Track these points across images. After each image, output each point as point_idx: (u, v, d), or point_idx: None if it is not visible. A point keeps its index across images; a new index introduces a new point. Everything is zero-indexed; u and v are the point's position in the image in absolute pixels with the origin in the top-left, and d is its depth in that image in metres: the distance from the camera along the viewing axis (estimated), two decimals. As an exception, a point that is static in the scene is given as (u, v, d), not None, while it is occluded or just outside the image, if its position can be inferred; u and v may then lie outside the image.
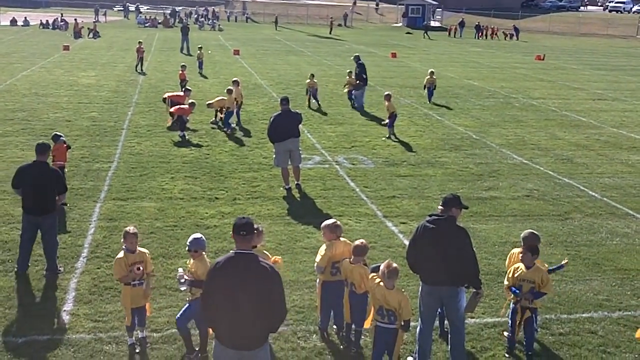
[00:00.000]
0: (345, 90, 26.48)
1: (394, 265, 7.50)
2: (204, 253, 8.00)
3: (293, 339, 8.64)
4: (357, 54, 27.57)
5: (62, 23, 62.90)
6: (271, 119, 15.00)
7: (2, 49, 43.01)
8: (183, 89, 23.14)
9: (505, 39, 72.04)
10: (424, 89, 27.61)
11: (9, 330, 8.61)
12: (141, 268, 8.21)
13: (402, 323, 7.50)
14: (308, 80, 25.97)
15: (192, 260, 7.96)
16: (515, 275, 8.35)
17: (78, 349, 8.22)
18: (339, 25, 78.87)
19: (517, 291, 8.32)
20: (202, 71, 33.75)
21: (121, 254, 8.17)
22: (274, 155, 15.12)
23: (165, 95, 22.09)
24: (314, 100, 25.35)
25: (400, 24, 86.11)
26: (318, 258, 8.44)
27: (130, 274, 8.12)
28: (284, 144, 14.73)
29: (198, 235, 8.08)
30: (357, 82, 25.40)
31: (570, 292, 10.31)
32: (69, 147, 13.73)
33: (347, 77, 26.65)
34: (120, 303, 9.05)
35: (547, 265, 8.71)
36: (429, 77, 27.37)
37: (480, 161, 18.04)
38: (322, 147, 18.97)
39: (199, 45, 36.92)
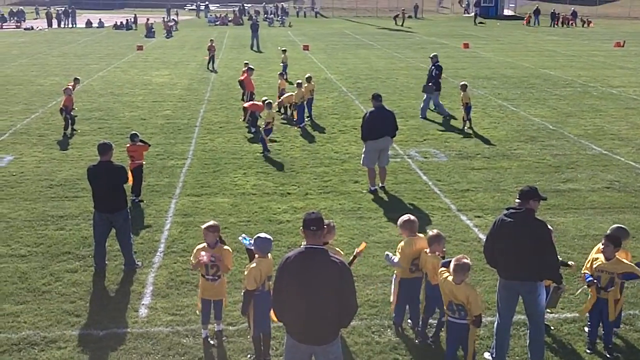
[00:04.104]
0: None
1: (465, 260, 7.36)
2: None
3: (367, 334, 8.59)
4: (435, 54, 23.46)
5: (152, 23, 63.62)
6: (365, 116, 14.31)
7: (78, 50, 44.47)
8: (262, 101, 21.15)
9: (582, 26, 69.87)
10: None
11: (90, 324, 8.86)
12: (215, 260, 8.26)
13: (473, 318, 7.37)
14: (306, 85, 21.38)
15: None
16: (594, 265, 8.14)
17: (156, 342, 8.39)
18: (409, 17, 78.11)
19: (590, 277, 8.14)
20: (287, 75, 28.63)
21: (202, 245, 8.38)
22: (363, 155, 14.45)
23: (245, 105, 20.96)
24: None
25: (472, 14, 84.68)
26: (398, 257, 8.36)
27: (199, 261, 8.22)
28: (376, 142, 14.06)
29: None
30: (429, 84, 22.06)
31: (656, 287, 9.88)
32: (149, 145, 14.18)
33: (280, 81, 22.81)
34: (196, 297, 9.21)
35: (630, 259, 8.36)
36: None
37: (558, 152, 17.52)
38: (394, 140, 18.76)
39: (283, 49, 34.07)
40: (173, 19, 68.96)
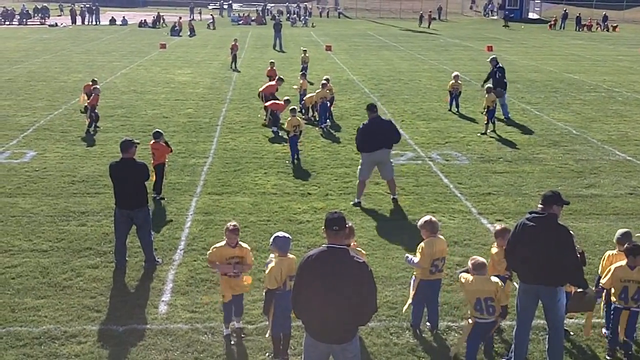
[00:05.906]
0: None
1: (480, 258, 7.61)
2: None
3: (385, 335, 8.57)
4: (494, 57, 23.17)
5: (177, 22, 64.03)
6: (360, 128, 13.95)
7: (102, 47, 44.83)
8: (284, 100, 20.44)
9: (606, 31, 69.09)
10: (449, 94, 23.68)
11: (110, 319, 8.93)
12: (239, 263, 8.34)
13: (500, 310, 7.51)
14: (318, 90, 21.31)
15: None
16: (619, 275, 8.03)
17: (175, 339, 8.43)
18: (433, 18, 77.77)
19: (600, 298, 8.29)
20: (306, 73, 28.63)
21: (222, 243, 8.39)
22: (359, 166, 13.94)
23: (260, 89, 21.95)
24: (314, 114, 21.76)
25: (496, 17, 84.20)
26: (418, 257, 8.35)
27: (226, 267, 8.28)
28: (372, 155, 13.55)
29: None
30: (496, 88, 21.62)
31: (680, 296, 9.74)
32: (171, 150, 14.33)
33: (302, 81, 23.20)
34: (216, 295, 9.24)
35: None
36: (453, 81, 23.33)
37: (581, 157, 17.36)
38: (415, 143, 18.73)
39: (304, 49, 34.02)
40: (211, 15, 69.68)
